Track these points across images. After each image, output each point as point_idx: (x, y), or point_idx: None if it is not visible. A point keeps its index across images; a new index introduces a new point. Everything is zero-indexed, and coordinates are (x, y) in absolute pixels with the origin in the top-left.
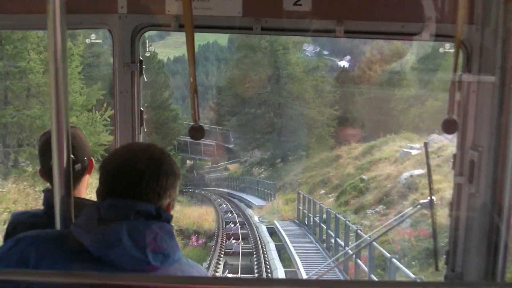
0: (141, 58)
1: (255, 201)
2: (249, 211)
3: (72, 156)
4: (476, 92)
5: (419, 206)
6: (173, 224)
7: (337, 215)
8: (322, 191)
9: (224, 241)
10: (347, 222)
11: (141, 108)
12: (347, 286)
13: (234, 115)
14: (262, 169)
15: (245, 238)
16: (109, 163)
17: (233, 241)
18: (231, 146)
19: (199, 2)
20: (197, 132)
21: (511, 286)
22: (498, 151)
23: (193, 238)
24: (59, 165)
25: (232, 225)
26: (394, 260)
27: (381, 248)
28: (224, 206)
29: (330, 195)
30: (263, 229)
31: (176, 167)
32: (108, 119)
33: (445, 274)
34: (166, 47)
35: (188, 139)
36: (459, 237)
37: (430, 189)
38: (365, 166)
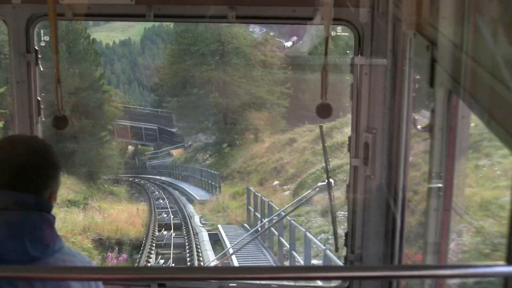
0: (36, 48)
1: (198, 193)
2: (190, 208)
3: None
4: (368, 74)
5: (317, 189)
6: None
7: (293, 222)
8: (276, 182)
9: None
10: (309, 235)
11: (38, 98)
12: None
13: (175, 96)
14: (207, 155)
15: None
16: None
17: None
18: (174, 130)
19: None
20: (60, 121)
21: (408, 269)
22: (392, 133)
23: (111, 254)
24: None
25: (165, 232)
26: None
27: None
28: (161, 201)
29: (285, 187)
30: (204, 236)
31: (56, 159)
32: None
33: (345, 255)
34: (113, 31)
35: (128, 123)
36: (357, 220)
37: (327, 171)
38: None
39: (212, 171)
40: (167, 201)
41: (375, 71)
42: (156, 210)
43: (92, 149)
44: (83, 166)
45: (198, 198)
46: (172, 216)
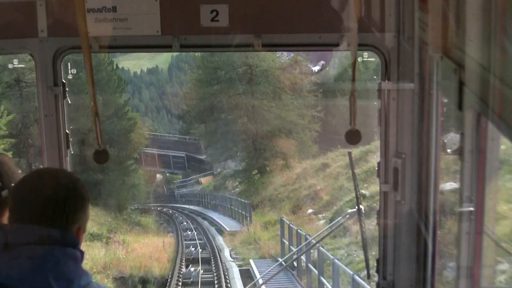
0: (63, 80)
1: (228, 224)
2: (219, 240)
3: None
4: (396, 99)
5: (347, 216)
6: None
7: (335, 260)
8: (310, 210)
9: None
10: (356, 276)
11: (67, 131)
12: None
13: (202, 122)
14: (237, 182)
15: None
16: (18, 189)
17: None
18: (202, 157)
19: (118, 22)
20: (101, 155)
21: None
22: (421, 158)
23: None
24: None
25: (193, 269)
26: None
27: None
28: (189, 233)
29: (321, 215)
30: (235, 272)
31: (85, 192)
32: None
33: (377, 282)
34: (140, 59)
35: (156, 150)
36: (388, 245)
37: (357, 198)
38: (361, 177)
39: (242, 200)
40: (195, 233)
41: (402, 96)
42: (184, 242)
43: (118, 179)
44: (108, 196)
45: (228, 229)
46: (201, 250)
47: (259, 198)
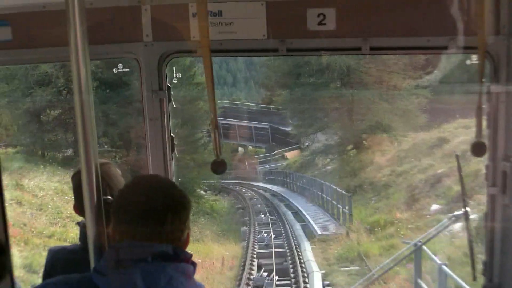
0: (168, 84)
1: (319, 221)
2: (306, 251)
3: (108, 195)
4: (504, 102)
5: (453, 218)
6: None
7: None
8: (435, 207)
9: None
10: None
11: (172, 135)
12: None
13: (287, 88)
14: (328, 159)
15: None
16: (125, 202)
17: None
18: (288, 129)
19: (223, 26)
20: (219, 166)
21: None
22: None
23: None
24: (90, 202)
25: None
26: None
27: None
28: (265, 235)
29: (452, 214)
30: None
31: (186, 196)
32: None
33: (483, 284)
34: None
35: (236, 121)
36: (495, 248)
37: (464, 200)
38: None
39: (339, 190)
40: (272, 235)
41: (511, 99)
42: (254, 253)
43: (184, 157)
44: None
45: (319, 231)
46: (276, 277)
47: (356, 181)
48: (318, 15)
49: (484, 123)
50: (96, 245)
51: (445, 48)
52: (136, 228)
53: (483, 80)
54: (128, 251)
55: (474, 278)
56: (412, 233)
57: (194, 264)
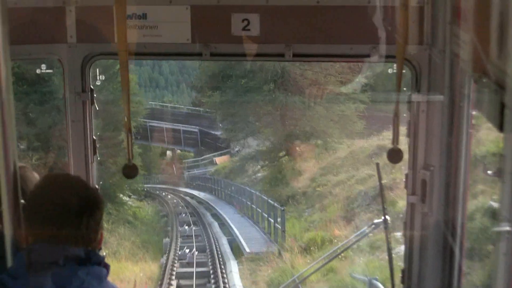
0: (91, 87)
1: (248, 236)
2: (233, 272)
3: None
4: (425, 111)
5: (373, 226)
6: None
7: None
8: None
9: None
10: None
11: (94, 137)
12: None
13: (216, 89)
14: (259, 166)
15: None
16: (36, 203)
17: None
18: (218, 133)
19: (148, 29)
20: (130, 170)
21: None
22: (449, 170)
23: None
24: (8, 204)
25: None
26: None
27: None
28: (187, 251)
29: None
30: None
31: (99, 196)
32: None
33: None
34: None
35: (164, 124)
36: (414, 256)
37: (384, 208)
38: None
39: (271, 201)
40: (195, 252)
41: (432, 108)
42: (173, 274)
43: (108, 160)
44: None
45: (248, 249)
46: None
47: (289, 191)
48: (243, 21)
49: (405, 131)
50: (12, 248)
51: (368, 56)
52: (48, 230)
53: (404, 89)
54: (39, 254)
55: (393, 286)
56: (354, 254)
57: (107, 267)
